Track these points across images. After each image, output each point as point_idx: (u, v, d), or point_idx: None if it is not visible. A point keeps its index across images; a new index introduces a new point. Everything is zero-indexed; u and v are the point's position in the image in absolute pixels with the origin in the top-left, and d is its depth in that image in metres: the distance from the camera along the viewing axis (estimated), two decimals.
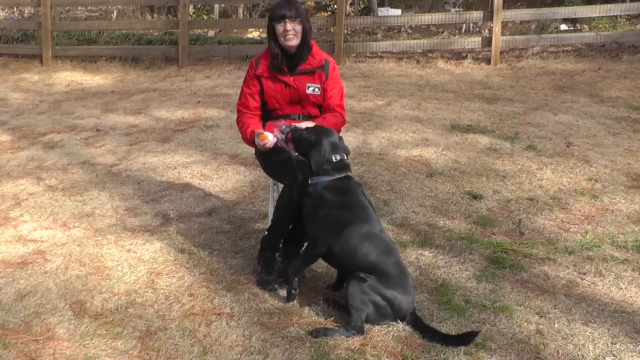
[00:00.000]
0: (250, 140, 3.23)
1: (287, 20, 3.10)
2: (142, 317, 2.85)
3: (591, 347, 2.56)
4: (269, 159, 3.25)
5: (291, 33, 3.11)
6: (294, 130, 2.99)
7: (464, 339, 2.59)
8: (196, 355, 2.57)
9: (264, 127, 3.27)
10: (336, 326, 2.73)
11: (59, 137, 6.11)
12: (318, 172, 2.85)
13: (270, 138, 3.04)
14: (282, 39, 3.14)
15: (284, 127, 3.04)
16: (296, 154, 2.98)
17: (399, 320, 2.73)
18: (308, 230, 2.91)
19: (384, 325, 2.72)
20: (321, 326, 2.73)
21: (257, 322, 2.79)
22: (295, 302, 2.94)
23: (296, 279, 2.93)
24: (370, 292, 2.66)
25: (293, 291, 2.93)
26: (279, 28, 3.13)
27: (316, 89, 3.21)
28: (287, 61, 3.20)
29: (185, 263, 3.39)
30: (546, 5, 12.89)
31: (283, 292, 3.02)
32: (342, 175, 2.87)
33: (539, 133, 5.72)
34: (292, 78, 3.20)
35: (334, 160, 2.85)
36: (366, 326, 2.71)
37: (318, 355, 2.54)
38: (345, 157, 2.91)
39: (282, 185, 3.14)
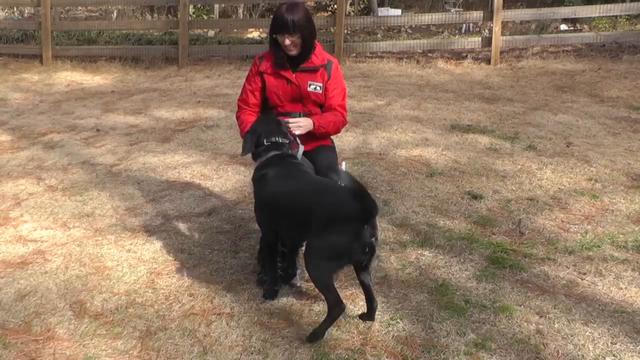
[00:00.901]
0: None
1: (285, 35, 3.10)
2: (142, 317, 2.86)
3: (591, 347, 2.56)
4: None
5: (291, 46, 3.13)
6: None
7: None
8: (196, 355, 2.57)
9: None
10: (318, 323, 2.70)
11: (59, 137, 6.11)
12: (245, 154, 3.03)
13: None
14: (283, 47, 3.16)
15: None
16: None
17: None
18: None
19: (383, 324, 2.73)
20: (310, 329, 2.70)
21: (257, 322, 2.79)
22: (295, 301, 2.95)
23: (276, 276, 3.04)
24: (319, 256, 2.58)
25: (274, 288, 3.02)
26: (280, 39, 3.13)
27: (317, 87, 3.21)
28: (290, 61, 3.22)
29: (185, 263, 3.39)
30: (546, 5, 12.89)
31: (298, 283, 3.11)
32: (270, 155, 2.97)
33: (539, 133, 5.72)
34: (294, 75, 3.21)
35: (265, 143, 2.99)
36: (367, 324, 2.72)
37: (318, 355, 2.54)
38: (281, 139, 3.00)
39: None
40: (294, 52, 3.15)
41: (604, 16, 10.62)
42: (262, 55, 3.31)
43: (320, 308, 2.89)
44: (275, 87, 3.23)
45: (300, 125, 3.12)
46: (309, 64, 3.21)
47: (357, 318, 2.79)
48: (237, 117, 3.38)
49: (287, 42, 3.10)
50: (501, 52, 9.30)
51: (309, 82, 3.21)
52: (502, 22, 9.17)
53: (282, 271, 3.19)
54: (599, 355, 2.51)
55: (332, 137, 3.39)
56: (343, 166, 3.49)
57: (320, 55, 3.25)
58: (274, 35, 3.15)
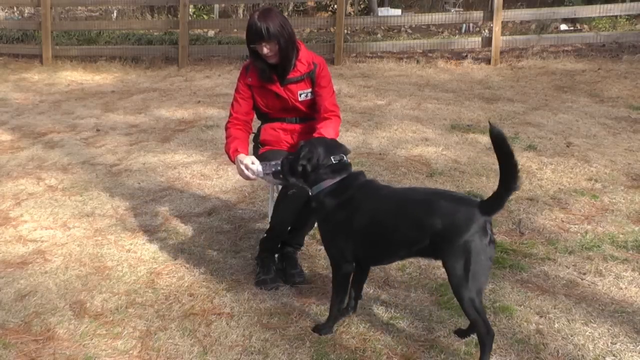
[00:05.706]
0: (230, 155, 3.10)
1: (262, 43, 2.96)
2: (142, 317, 2.86)
3: (591, 347, 2.56)
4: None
5: (269, 54, 3.00)
6: (282, 164, 2.77)
7: None
8: (196, 355, 2.57)
9: (259, 132, 3.28)
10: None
11: (59, 137, 6.11)
12: (316, 176, 2.61)
13: (255, 172, 2.95)
14: (262, 56, 3.04)
15: (273, 168, 2.89)
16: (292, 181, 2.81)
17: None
18: (326, 250, 2.69)
19: (384, 324, 2.72)
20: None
21: (257, 322, 2.79)
22: (295, 302, 2.95)
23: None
24: (476, 293, 2.31)
25: (337, 321, 2.71)
26: (257, 49, 3.01)
27: (309, 94, 3.13)
28: (276, 72, 3.11)
29: (185, 263, 3.39)
30: (546, 5, 12.89)
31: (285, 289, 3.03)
32: (343, 176, 2.62)
33: (539, 133, 5.72)
34: (282, 88, 3.12)
35: (332, 161, 2.63)
36: (367, 325, 2.72)
37: (318, 356, 2.54)
38: (344, 158, 2.69)
39: (282, 186, 3.13)
40: (273, 60, 3.03)
41: (604, 16, 10.62)
42: (247, 64, 3.19)
43: (319, 308, 2.89)
44: (265, 101, 3.17)
45: None
46: (295, 73, 3.10)
47: (357, 317, 2.79)
48: (227, 129, 3.23)
49: (265, 50, 2.97)
50: (501, 52, 9.29)
51: (299, 92, 3.13)
52: (502, 22, 9.17)
53: (282, 272, 3.20)
54: (599, 355, 2.51)
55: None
56: None
57: (304, 58, 3.12)
58: (250, 46, 3.02)
